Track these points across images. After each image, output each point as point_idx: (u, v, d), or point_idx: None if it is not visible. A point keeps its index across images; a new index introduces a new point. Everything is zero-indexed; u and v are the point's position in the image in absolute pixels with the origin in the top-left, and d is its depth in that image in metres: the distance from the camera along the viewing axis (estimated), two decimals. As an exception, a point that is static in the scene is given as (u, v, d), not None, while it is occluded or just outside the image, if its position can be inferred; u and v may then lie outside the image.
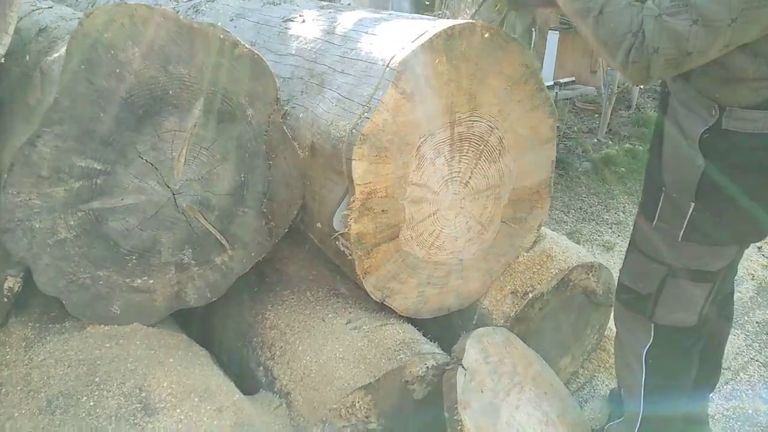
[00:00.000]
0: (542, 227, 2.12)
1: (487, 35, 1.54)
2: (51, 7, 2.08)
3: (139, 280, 1.53)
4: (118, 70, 1.31)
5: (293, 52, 1.81)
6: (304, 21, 1.89)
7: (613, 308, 1.89)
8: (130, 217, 1.46)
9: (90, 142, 1.33)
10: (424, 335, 1.78)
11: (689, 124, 1.40)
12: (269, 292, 1.86)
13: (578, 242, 3.31)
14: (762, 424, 2.10)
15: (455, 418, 1.42)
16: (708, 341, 1.72)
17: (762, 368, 2.39)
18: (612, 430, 1.87)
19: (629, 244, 1.64)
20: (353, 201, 1.50)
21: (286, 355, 1.64)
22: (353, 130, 1.46)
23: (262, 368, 1.68)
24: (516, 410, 1.59)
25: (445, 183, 1.65)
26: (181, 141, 1.45)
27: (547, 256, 1.95)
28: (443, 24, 1.50)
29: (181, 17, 1.35)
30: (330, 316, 1.72)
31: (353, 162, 1.45)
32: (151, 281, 1.55)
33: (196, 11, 2.44)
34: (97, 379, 1.32)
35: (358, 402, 1.47)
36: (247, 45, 1.46)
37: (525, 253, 1.96)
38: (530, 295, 1.86)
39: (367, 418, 1.49)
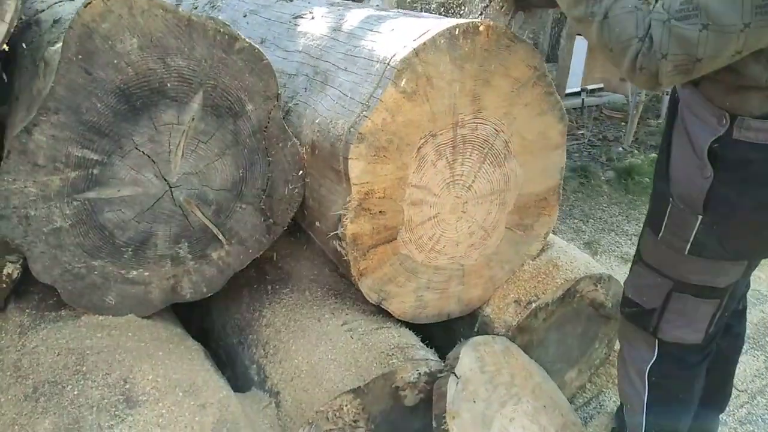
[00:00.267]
0: (550, 235, 2.07)
1: (492, 35, 1.50)
2: (73, 0, 2.11)
3: (135, 272, 1.53)
4: (115, 61, 1.31)
5: (300, 48, 1.80)
6: (313, 18, 1.88)
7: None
8: (126, 209, 1.46)
9: (86, 132, 1.34)
10: (427, 342, 1.75)
11: (698, 133, 1.33)
12: (268, 290, 1.84)
13: (596, 253, 3.23)
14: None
15: (442, 427, 1.38)
16: (716, 360, 1.65)
17: (781, 392, 2.29)
18: (614, 447, 1.81)
19: (634, 255, 1.58)
20: (350, 201, 1.47)
21: (279, 353, 1.62)
22: (351, 129, 1.43)
23: (255, 366, 1.66)
24: (510, 423, 1.55)
25: (446, 186, 1.61)
26: (178, 134, 1.44)
27: (554, 265, 1.89)
28: (447, 23, 1.47)
29: (180, 10, 1.35)
30: (326, 316, 1.70)
31: (350, 161, 1.43)
32: (147, 273, 1.55)
33: (212, 7, 2.45)
34: (84, 369, 1.32)
35: (346, 405, 1.44)
36: (247, 39, 1.45)
37: (531, 262, 1.91)
38: (534, 305, 1.81)
39: (355, 422, 1.46)
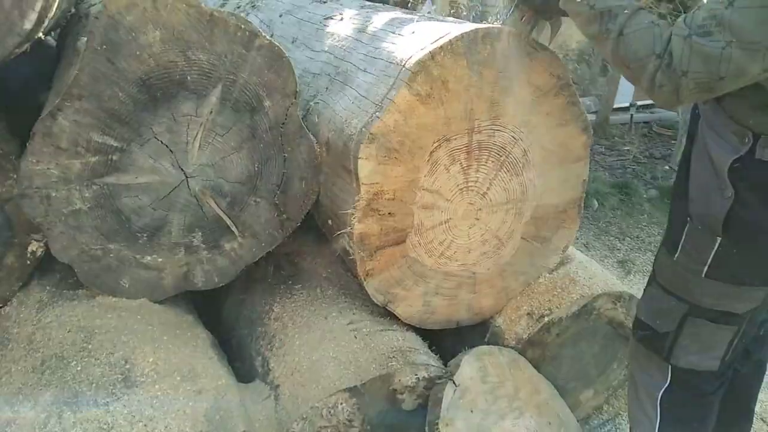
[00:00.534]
0: (571, 249, 2.02)
1: (513, 42, 1.48)
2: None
3: (149, 257, 1.58)
4: (138, 52, 1.36)
5: (326, 49, 1.83)
6: (342, 19, 1.90)
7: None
8: (143, 196, 1.51)
9: (107, 119, 1.39)
10: (434, 348, 1.74)
11: (718, 151, 1.28)
12: (281, 285, 1.87)
13: (629, 272, 3.13)
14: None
15: (434, 434, 1.36)
16: (735, 388, 1.57)
17: (813, 430, 2.15)
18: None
19: (649, 277, 1.52)
20: (358, 200, 1.48)
21: (283, 347, 1.64)
22: (363, 129, 1.44)
23: (260, 358, 1.69)
24: (509, 436, 1.51)
25: (459, 191, 1.60)
26: (196, 126, 1.49)
27: (571, 280, 1.84)
28: (467, 27, 1.46)
29: (202, 5, 1.39)
30: (334, 314, 1.71)
31: (360, 160, 1.44)
32: (161, 260, 1.60)
33: (253, 6, 2.51)
34: (90, 347, 1.37)
35: (341, 404, 1.44)
36: (267, 37, 1.48)
37: (547, 275, 1.87)
38: (546, 319, 1.77)
39: (350, 421, 1.46)
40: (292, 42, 2.06)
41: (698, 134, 1.33)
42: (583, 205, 1.83)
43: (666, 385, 1.50)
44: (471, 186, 1.61)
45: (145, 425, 1.19)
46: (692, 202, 1.36)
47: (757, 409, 1.77)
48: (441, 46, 1.42)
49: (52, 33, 2.16)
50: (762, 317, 1.51)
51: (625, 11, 1.19)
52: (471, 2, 8.96)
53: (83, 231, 1.49)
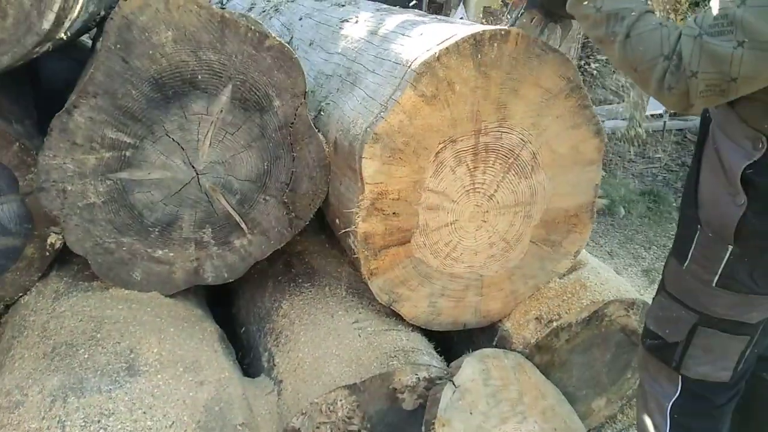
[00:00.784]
0: (587, 256, 1.99)
1: (522, 43, 1.48)
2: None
3: (160, 252, 1.62)
4: (150, 52, 1.41)
5: (339, 51, 1.85)
6: (357, 22, 1.92)
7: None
8: (155, 191, 1.55)
9: (121, 116, 1.44)
10: (446, 352, 1.74)
11: (731, 156, 1.24)
12: (291, 283, 1.89)
13: (653, 282, 3.06)
14: None
15: (429, 433, 1.36)
16: (750, 400, 1.52)
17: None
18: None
19: (658, 285, 1.49)
20: (362, 199, 1.49)
21: (289, 344, 1.66)
22: (368, 129, 1.46)
23: (267, 353, 1.71)
24: (509, 440, 1.50)
25: (466, 193, 1.60)
26: (207, 124, 1.52)
27: (581, 285, 1.82)
28: (474, 29, 1.46)
29: (213, 7, 1.42)
30: (340, 313, 1.72)
31: (364, 160, 1.45)
32: (172, 254, 1.64)
33: (276, 10, 2.56)
34: (99, 336, 1.42)
35: (341, 400, 1.45)
36: (278, 38, 1.51)
37: (558, 280, 1.85)
38: (555, 324, 1.75)
39: (349, 418, 1.47)
40: (310, 44, 2.09)
41: (708, 139, 1.30)
42: (595, 209, 1.80)
43: (676, 395, 1.47)
44: (478, 188, 1.61)
45: (144, 412, 1.23)
46: (702, 209, 1.32)
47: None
48: (447, 48, 1.42)
49: (87, 35, 2.25)
50: None
51: (633, 13, 1.17)
52: (504, 9, 8.91)
53: (97, 224, 1.54)
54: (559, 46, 1.61)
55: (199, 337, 1.56)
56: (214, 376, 1.43)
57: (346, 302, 1.78)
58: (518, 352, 1.75)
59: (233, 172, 1.60)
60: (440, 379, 1.50)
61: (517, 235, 1.71)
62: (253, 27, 1.47)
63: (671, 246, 1.47)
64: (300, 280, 1.89)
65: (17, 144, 1.52)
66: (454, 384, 1.47)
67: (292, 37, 2.26)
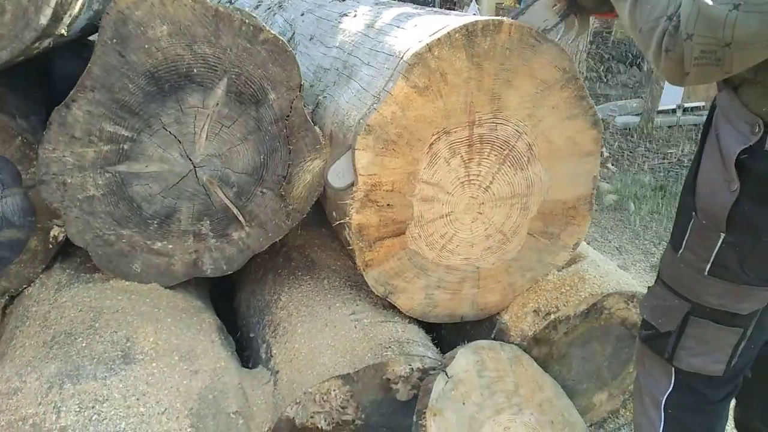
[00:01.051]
0: (589, 249, 1.98)
1: (515, 34, 1.48)
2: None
3: (159, 244, 1.65)
4: (146, 46, 1.43)
5: (337, 44, 1.86)
6: (355, 16, 1.93)
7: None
8: (153, 184, 1.58)
9: (118, 109, 1.47)
10: (437, 342, 1.74)
11: (728, 141, 1.21)
12: (291, 275, 1.91)
13: (662, 277, 3.03)
14: None
15: (421, 422, 1.37)
16: (756, 400, 1.50)
17: None
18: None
19: (656, 275, 1.48)
20: (356, 191, 1.50)
21: (286, 335, 1.68)
22: (361, 120, 1.47)
23: (265, 345, 1.73)
24: (503, 431, 1.50)
25: (461, 185, 1.60)
26: (203, 117, 1.54)
27: (580, 278, 1.81)
28: (467, 19, 1.46)
29: (207, 1, 1.44)
30: (337, 305, 1.73)
31: (357, 152, 1.46)
32: (170, 246, 1.66)
33: (280, 6, 2.58)
34: (97, 325, 1.44)
35: (334, 390, 1.46)
36: (272, 31, 1.52)
37: (556, 272, 1.84)
38: (552, 317, 1.74)
39: (343, 408, 1.48)
40: (310, 39, 2.11)
41: (712, 126, 1.28)
42: (594, 201, 1.79)
43: (670, 389, 1.45)
44: (473, 179, 1.61)
45: (137, 399, 1.25)
46: (698, 197, 1.30)
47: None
48: (439, 39, 1.42)
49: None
50: None
51: None
52: (517, 5, 8.87)
53: (97, 216, 1.57)
54: (571, 42, 1.60)
55: (196, 327, 1.58)
56: (209, 366, 1.45)
57: (343, 294, 1.79)
58: (516, 344, 1.75)
59: (230, 164, 1.62)
60: (434, 369, 1.50)
61: (513, 227, 1.71)
62: (247, 20, 1.49)
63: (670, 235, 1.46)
64: (299, 273, 1.91)
65: (20, 138, 1.56)
66: (447, 374, 1.47)
67: (294, 33, 2.28)
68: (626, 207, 3.71)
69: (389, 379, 1.50)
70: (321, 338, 1.60)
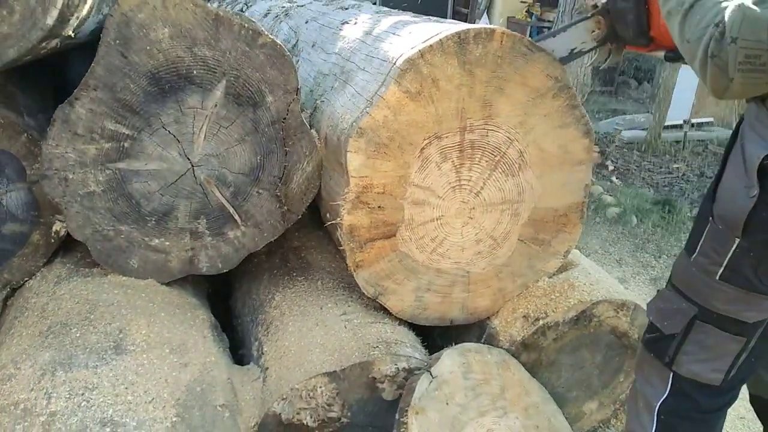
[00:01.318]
0: (576, 255, 2.00)
1: (507, 42, 1.51)
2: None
3: (157, 240, 1.69)
4: (148, 48, 1.48)
5: (336, 50, 1.90)
6: (356, 24, 1.97)
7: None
8: (152, 182, 1.62)
9: (120, 108, 1.52)
10: (426, 343, 1.76)
11: (751, 147, 1.22)
12: (286, 276, 1.94)
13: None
14: None
15: (403, 420, 1.39)
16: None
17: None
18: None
19: (668, 279, 1.49)
20: (347, 192, 1.54)
21: (277, 333, 1.71)
22: (353, 123, 1.50)
23: (257, 342, 1.76)
24: (487, 433, 1.51)
25: (452, 189, 1.63)
26: (202, 118, 1.59)
27: (570, 285, 1.83)
28: (460, 27, 1.50)
29: (208, 5, 1.49)
30: (329, 305, 1.76)
31: (349, 154, 1.50)
32: (167, 243, 1.70)
33: (286, 14, 2.64)
34: (92, 317, 1.48)
35: (320, 387, 1.49)
36: (270, 36, 1.57)
37: (547, 279, 1.86)
38: (541, 322, 1.76)
39: (329, 405, 1.51)
40: (312, 46, 2.16)
41: (737, 137, 1.30)
42: (585, 210, 1.81)
43: (665, 395, 1.46)
44: (464, 184, 1.63)
45: (126, 388, 1.28)
46: (717, 203, 1.31)
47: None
48: (431, 45, 1.46)
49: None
50: None
51: None
52: (529, 19, 8.90)
53: (97, 212, 1.61)
54: (602, 67, 1.65)
55: (189, 323, 1.62)
56: (199, 359, 1.48)
57: (336, 295, 1.82)
58: (505, 349, 1.77)
59: (227, 165, 1.66)
60: (419, 369, 1.53)
61: (504, 232, 1.74)
62: (246, 25, 1.54)
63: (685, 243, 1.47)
64: (294, 274, 1.94)
65: (25, 135, 1.61)
66: (431, 374, 1.49)
67: (298, 40, 2.33)
68: (628, 220, 3.72)
69: (375, 378, 1.52)
70: (311, 337, 1.63)
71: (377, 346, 1.57)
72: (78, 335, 1.42)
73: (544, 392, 1.76)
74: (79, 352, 1.36)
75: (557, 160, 1.70)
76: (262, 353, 1.69)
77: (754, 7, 1.03)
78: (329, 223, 1.63)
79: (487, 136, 1.60)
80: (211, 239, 1.74)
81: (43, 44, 1.45)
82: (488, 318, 1.86)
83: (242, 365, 1.73)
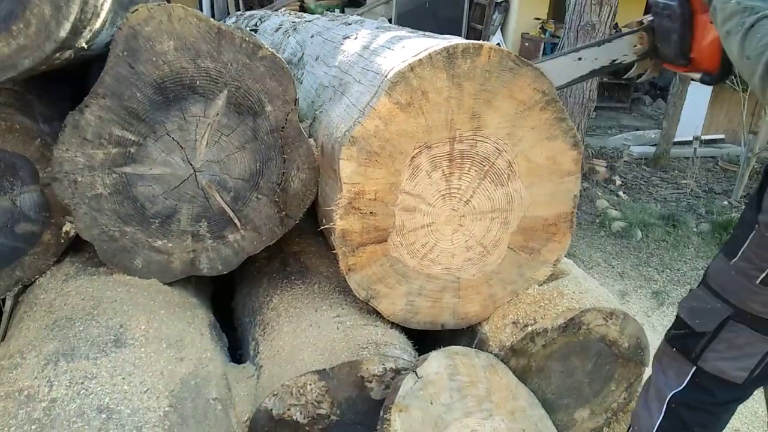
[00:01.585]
0: (567, 265, 2.04)
1: (494, 57, 1.57)
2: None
3: (160, 242, 1.77)
4: (154, 59, 1.57)
5: (336, 64, 1.99)
6: (356, 38, 2.05)
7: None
8: (156, 186, 1.71)
9: (127, 116, 1.61)
10: (417, 347, 1.82)
11: None
12: (285, 280, 2.01)
13: (662, 304, 3.04)
14: None
15: (386, 417, 1.44)
16: None
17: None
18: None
19: (700, 281, 1.54)
20: (340, 198, 1.60)
21: (273, 333, 1.78)
22: (346, 132, 1.57)
23: (254, 342, 1.83)
24: (470, 433, 1.56)
25: (442, 197, 1.69)
26: (204, 126, 1.67)
27: (559, 292, 1.87)
28: (449, 42, 1.57)
29: (211, 19, 1.58)
30: (324, 308, 1.83)
31: (342, 161, 1.57)
32: (170, 245, 1.78)
33: (294, 29, 2.73)
34: (95, 312, 1.56)
35: (310, 385, 1.55)
36: (270, 49, 1.65)
37: (537, 287, 1.90)
38: (530, 328, 1.80)
39: (318, 402, 1.57)
40: (316, 59, 2.24)
41: None
42: (575, 220, 1.86)
43: (680, 387, 1.51)
44: (454, 193, 1.69)
45: (123, 378, 1.35)
46: (763, 212, 1.37)
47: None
48: (420, 59, 1.53)
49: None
50: None
51: (767, 10, 1.21)
52: (542, 35, 8.96)
53: (103, 213, 1.70)
54: (637, 82, 1.73)
55: (188, 321, 1.69)
56: (195, 355, 1.55)
57: (331, 299, 1.88)
58: (494, 354, 1.81)
59: (228, 170, 1.74)
60: (406, 369, 1.58)
61: (494, 240, 1.79)
62: (247, 38, 1.62)
63: (723, 245, 1.52)
64: (293, 278, 2.01)
65: (39, 140, 1.71)
66: (417, 374, 1.54)
67: (303, 53, 2.42)
68: (633, 234, 3.73)
69: (363, 377, 1.58)
70: (304, 337, 1.69)
71: (367, 347, 1.63)
72: (81, 329, 1.49)
73: (531, 397, 1.80)
74: (81, 344, 1.44)
75: (546, 170, 1.75)
76: (258, 352, 1.76)
77: None
78: (323, 227, 1.69)
79: (476, 146, 1.66)
80: (212, 242, 1.82)
81: (57, 55, 1.55)
82: (479, 323, 1.91)
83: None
